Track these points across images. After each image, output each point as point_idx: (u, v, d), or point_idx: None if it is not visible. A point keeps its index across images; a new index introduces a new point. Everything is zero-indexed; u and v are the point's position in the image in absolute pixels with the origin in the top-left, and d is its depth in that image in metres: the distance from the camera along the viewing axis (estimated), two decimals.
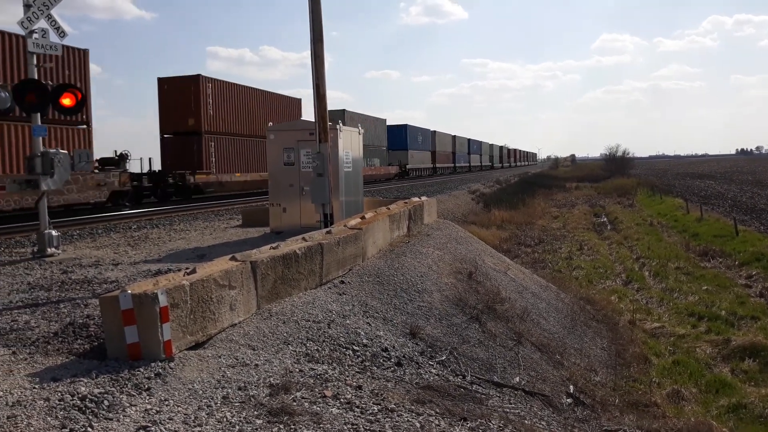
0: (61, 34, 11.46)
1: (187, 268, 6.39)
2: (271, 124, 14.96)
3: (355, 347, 6.64)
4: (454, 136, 77.94)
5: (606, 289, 17.72)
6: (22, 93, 10.86)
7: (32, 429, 4.07)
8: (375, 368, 6.26)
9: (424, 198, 16.66)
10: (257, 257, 7.17)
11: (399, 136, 55.82)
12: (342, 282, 8.75)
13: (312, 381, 5.39)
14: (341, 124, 13.92)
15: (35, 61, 11.26)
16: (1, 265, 10.40)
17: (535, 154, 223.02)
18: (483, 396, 6.67)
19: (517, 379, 8.03)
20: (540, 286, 14.35)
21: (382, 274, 9.55)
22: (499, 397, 7.03)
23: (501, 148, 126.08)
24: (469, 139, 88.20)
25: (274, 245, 8.03)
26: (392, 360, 6.69)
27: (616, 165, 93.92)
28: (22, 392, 4.60)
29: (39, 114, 11.32)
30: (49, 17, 11.19)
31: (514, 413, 6.33)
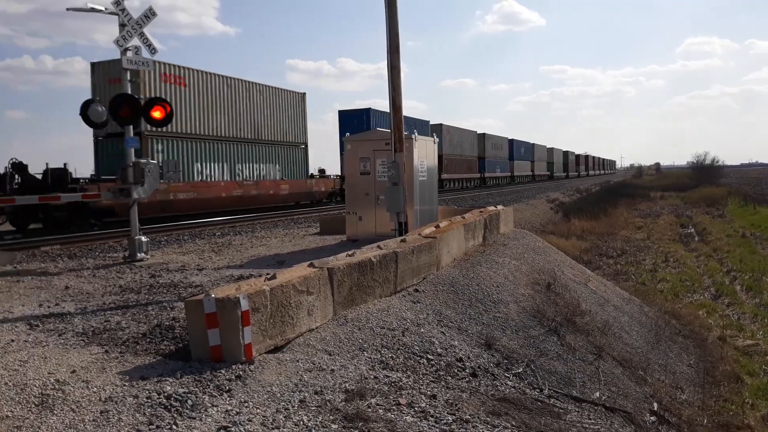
0: (152, 50, 12.11)
1: (267, 274, 6.58)
2: (348, 134, 15.20)
3: (429, 356, 6.62)
4: (511, 140, 71.97)
5: (693, 303, 16.88)
6: (116, 107, 11.54)
7: (122, 424, 4.30)
8: (449, 378, 6.22)
9: (500, 207, 16.45)
10: (334, 264, 7.29)
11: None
12: (416, 290, 8.75)
13: (386, 388, 5.42)
14: (416, 134, 13.98)
15: (129, 77, 11.95)
16: (95, 268, 11.05)
17: (614, 161, 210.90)
18: (561, 410, 6.49)
19: (597, 394, 7.77)
20: (622, 298, 13.84)
21: (456, 283, 9.49)
22: (578, 412, 6.82)
23: (567, 154, 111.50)
24: (511, 140, 71.80)
25: (350, 253, 8.15)
26: (467, 370, 6.62)
27: (704, 173, 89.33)
28: (113, 389, 4.87)
29: (131, 126, 11.98)
30: (142, 35, 11.87)
31: (593, 429, 6.13)
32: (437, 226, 11.47)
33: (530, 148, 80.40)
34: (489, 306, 9.03)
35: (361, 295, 7.68)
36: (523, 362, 7.55)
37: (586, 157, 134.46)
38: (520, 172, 74.04)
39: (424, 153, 14.38)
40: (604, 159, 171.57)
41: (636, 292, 16.37)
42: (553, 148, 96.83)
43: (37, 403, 4.60)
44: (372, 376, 5.64)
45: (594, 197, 53.31)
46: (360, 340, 6.51)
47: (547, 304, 10.22)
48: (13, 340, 6.18)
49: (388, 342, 6.64)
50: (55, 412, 4.45)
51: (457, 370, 6.55)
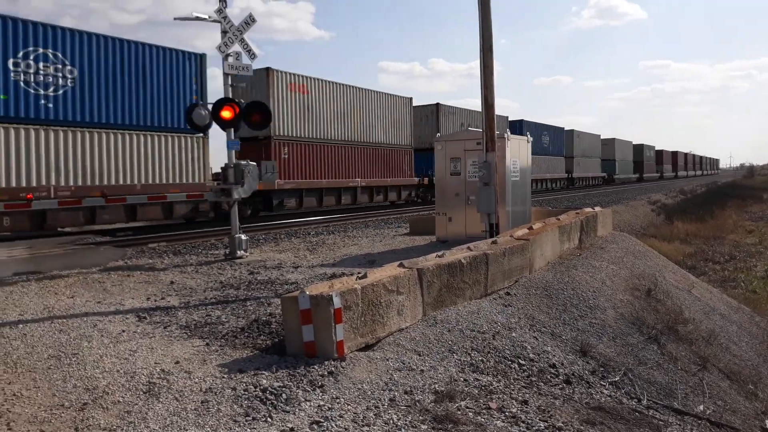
0: (252, 56, 12.60)
1: (359, 273, 6.69)
2: (438, 135, 15.17)
3: (521, 361, 6.50)
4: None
5: None
6: (218, 110, 12.09)
7: (221, 415, 4.51)
8: (542, 384, 6.07)
9: (597, 208, 15.88)
10: (423, 265, 7.30)
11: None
12: (508, 293, 8.61)
13: (476, 391, 5.36)
14: (509, 133, 13.75)
15: (230, 81, 12.49)
16: (198, 265, 11.63)
17: (718, 160, 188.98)
18: (661, 422, 6.19)
19: (701, 407, 7.34)
20: (730, 307, 13.00)
21: (550, 287, 9.25)
22: (680, 425, 6.47)
23: (662, 152, 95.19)
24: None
25: (439, 254, 8.13)
26: (560, 377, 6.44)
27: None
28: (213, 381, 5.11)
29: (233, 129, 12.52)
30: (242, 41, 12.38)
31: None
32: (530, 228, 11.22)
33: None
34: (584, 311, 8.74)
35: (451, 296, 7.64)
36: (621, 371, 7.26)
37: (686, 155, 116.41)
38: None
39: (517, 152, 14.11)
40: (707, 158, 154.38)
41: (746, 300, 15.32)
42: (647, 145, 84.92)
43: (144, 390, 4.91)
44: (462, 379, 5.60)
45: (699, 199, 50.33)
46: (450, 342, 6.49)
47: (647, 310, 9.77)
48: (123, 331, 6.62)
49: (478, 345, 6.57)
50: (161, 399, 4.73)
51: (550, 377, 6.39)
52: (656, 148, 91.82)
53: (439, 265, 7.49)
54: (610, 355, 7.68)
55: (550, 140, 49.52)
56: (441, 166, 14.25)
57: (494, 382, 5.69)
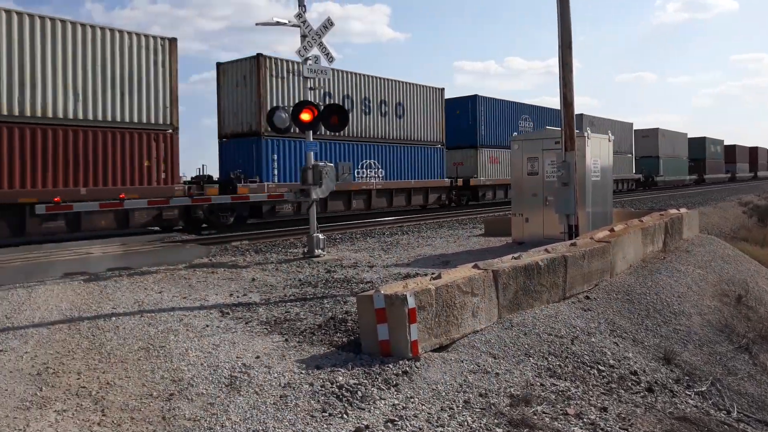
0: (330, 59, 12.85)
1: (433, 274, 6.69)
2: (515, 134, 14.94)
3: (600, 367, 6.32)
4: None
5: None
6: (297, 113, 12.39)
7: (299, 410, 4.63)
8: (622, 391, 5.88)
9: (683, 210, 15.19)
10: (499, 266, 7.23)
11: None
12: (587, 297, 8.38)
13: (553, 396, 5.27)
14: (589, 131, 13.38)
15: (309, 84, 12.78)
16: (278, 263, 11.97)
17: None
18: None
19: None
20: None
21: (632, 291, 8.94)
22: None
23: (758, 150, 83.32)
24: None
25: (515, 255, 8.02)
26: (642, 384, 6.22)
27: None
28: (291, 376, 5.26)
29: (311, 131, 12.80)
30: (321, 45, 12.64)
31: None
32: (612, 230, 10.88)
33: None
34: (668, 317, 8.40)
35: (527, 299, 7.52)
36: (707, 380, 6.93)
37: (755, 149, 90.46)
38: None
39: (598, 152, 13.70)
40: None
41: None
42: (711, 139, 69.02)
43: (226, 383, 5.11)
44: (538, 383, 5.51)
45: None
46: (526, 346, 6.39)
47: (737, 318, 9.27)
48: (207, 326, 6.91)
49: (555, 349, 6.44)
50: (242, 393, 4.92)
51: (631, 384, 6.18)
52: (725, 143, 74.96)
53: (516, 267, 7.39)
54: (696, 363, 7.34)
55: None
56: (517, 165, 14.03)
57: (572, 388, 5.57)
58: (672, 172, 56.88)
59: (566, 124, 11.57)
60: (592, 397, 5.48)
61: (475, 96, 32.17)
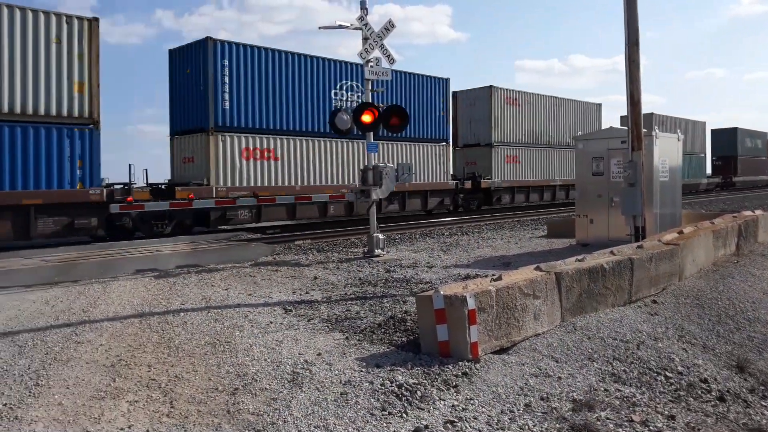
0: (391, 60, 12.91)
1: (493, 275, 6.64)
2: (580, 133, 14.63)
3: (667, 373, 6.11)
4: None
5: None
6: (358, 115, 12.52)
7: (359, 407, 4.69)
8: (691, 399, 5.67)
9: (758, 212, 14.48)
10: (562, 269, 7.10)
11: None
12: (654, 302, 8.13)
13: (618, 402, 5.14)
14: (657, 130, 12.95)
15: (370, 86, 12.89)
16: (339, 261, 12.13)
17: None
18: None
19: None
20: None
21: (702, 296, 8.60)
22: None
23: None
24: None
25: (579, 257, 7.85)
26: (713, 393, 5.97)
27: None
28: (351, 374, 5.32)
29: (372, 133, 12.91)
30: (382, 47, 12.72)
31: None
32: (680, 232, 10.50)
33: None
34: (742, 324, 8.03)
35: (591, 302, 7.36)
36: None
37: None
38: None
39: (666, 151, 13.25)
40: None
41: None
42: (745, 130, 55.58)
43: (289, 379, 5.23)
44: (602, 388, 5.39)
45: None
46: (589, 350, 6.25)
47: None
48: (271, 322, 7.08)
49: (620, 354, 6.28)
50: (303, 389, 5.02)
51: (701, 392, 5.94)
52: None
53: (579, 270, 7.24)
54: None
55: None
56: (582, 165, 13.73)
57: (637, 394, 5.41)
58: (690, 174, 49.53)
59: (633, 122, 11.23)
60: (659, 404, 5.31)
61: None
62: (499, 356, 5.82)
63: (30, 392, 4.98)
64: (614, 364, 6.03)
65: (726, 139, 53.35)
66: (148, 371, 5.48)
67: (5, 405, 4.71)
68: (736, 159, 52.65)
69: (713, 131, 53.81)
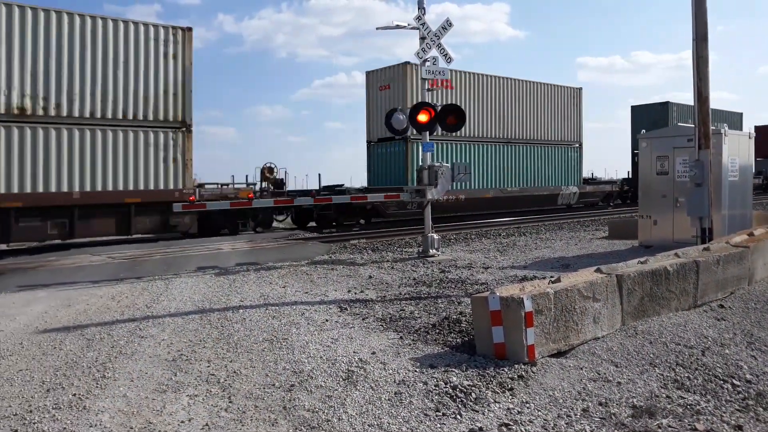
0: (448, 60, 12.85)
1: (551, 277, 6.52)
2: (643, 131, 14.19)
3: (735, 381, 5.85)
4: None
5: None
6: (414, 114, 12.51)
7: (413, 407, 4.68)
8: (760, 409, 5.41)
9: None
10: (623, 271, 6.90)
11: None
12: (721, 306, 7.80)
13: (681, 410, 4.95)
14: (726, 128, 12.43)
15: (427, 86, 12.86)
16: (394, 261, 12.15)
17: None
18: None
19: None
20: None
21: None
22: None
23: None
24: None
25: (642, 259, 7.62)
26: None
27: None
28: (406, 373, 5.32)
29: (428, 132, 12.87)
30: (439, 46, 12.67)
31: None
32: (751, 234, 10.04)
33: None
34: None
35: (654, 306, 7.12)
36: None
37: None
38: None
39: (736, 150, 12.70)
40: None
41: None
42: None
43: (344, 377, 5.27)
44: (664, 395, 5.21)
45: None
46: (651, 355, 6.06)
47: None
48: (327, 320, 7.16)
49: (684, 360, 6.05)
50: (358, 387, 5.05)
51: None
52: None
53: (642, 272, 7.02)
54: None
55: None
56: (646, 164, 13.33)
57: (702, 402, 5.21)
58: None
59: (701, 120, 10.81)
60: (724, 413, 5.09)
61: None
62: (556, 360, 5.70)
63: (97, 383, 5.19)
64: (677, 370, 5.82)
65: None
66: (208, 366, 5.63)
67: (74, 395, 4.93)
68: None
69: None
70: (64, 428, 4.31)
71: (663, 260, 7.68)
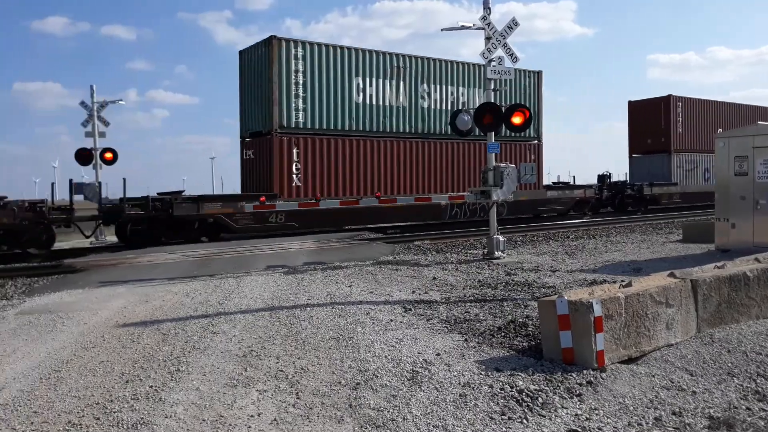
0: (514, 59, 12.68)
1: (622, 281, 6.34)
2: (720, 130, 13.58)
3: None
4: None
5: None
6: (480, 115, 12.41)
7: (477, 410, 4.66)
8: None
9: None
10: (699, 276, 6.63)
11: None
12: None
13: (762, 423, 4.72)
14: None
15: (492, 86, 12.73)
16: (458, 263, 12.09)
17: None
18: None
19: None
20: None
21: None
22: None
23: None
24: None
25: (719, 264, 7.30)
26: None
27: None
28: (471, 376, 5.30)
29: (493, 132, 12.75)
30: (505, 45, 12.52)
31: None
32: None
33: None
34: None
35: (732, 313, 6.81)
36: None
37: None
38: None
39: None
40: None
41: None
42: None
43: (408, 377, 5.29)
44: (743, 407, 4.97)
45: None
46: (729, 364, 5.80)
47: None
48: (391, 320, 7.20)
49: (765, 371, 5.76)
50: (423, 388, 5.06)
51: None
52: None
53: (719, 278, 6.73)
54: None
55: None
56: (723, 165, 12.75)
57: None
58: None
59: None
60: None
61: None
62: (627, 366, 5.54)
63: (172, 376, 5.42)
64: (758, 381, 5.55)
65: None
66: (276, 362, 5.77)
67: (151, 387, 5.16)
68: None
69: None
70: (141, 418, 4.52)
71: (742, 265, 7.33)
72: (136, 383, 5.26)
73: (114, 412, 4.63)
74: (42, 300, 9.18)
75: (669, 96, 30.36)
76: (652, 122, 30.54)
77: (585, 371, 5.27)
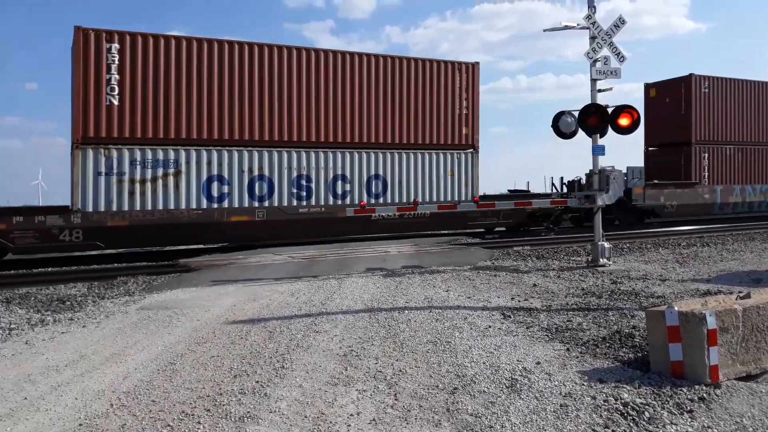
0: (621, 59, 12.19)
1: (740, 292, 5.94)
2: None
3: None
4: None
5: None
6: (584, 117, 12.03)
7: (579, 421, 4.52)
8: None
9: None
10: None
11: None
12: None
13: None
14: None
15: (597, 87, 12.31)
16: (560, 270, 11.76)
17: None
18: None
19: None
20: None
21: None
22: None
23: None
24: None
25: None
26: None
27: None
28: (572, 386, 5.15)
29: (598, 135, 12.31)
30: (611, 45, 12.08)
31: None
32: None
33: None
34: None
35: None
36: None
37: None
38: None
39: None
40: None
41: None
42: None
43: (507, 385, 5.23)
44: None
45: None
46: None
47: None
48: (489, 326, 7.13)
49: None
50: (522, 396, 4.98)
51: None
52: None
53: None
54: None
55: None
56: None
57: None
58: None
59: None
60: None
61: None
62: (745, 383, 5.19)
63: (277, 373, 5.65)
64: None
65: None
66: (375, 363, 5.88)
67: (257, 382, 5.41)
68: None
69: None
70: (248, 412, 4.75)
71: None
72: (243, 378, 5.53)
73: (223, 405, 4.90)
74: (160, 297, 9.84)
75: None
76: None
77: (697, 386, 4.99)
